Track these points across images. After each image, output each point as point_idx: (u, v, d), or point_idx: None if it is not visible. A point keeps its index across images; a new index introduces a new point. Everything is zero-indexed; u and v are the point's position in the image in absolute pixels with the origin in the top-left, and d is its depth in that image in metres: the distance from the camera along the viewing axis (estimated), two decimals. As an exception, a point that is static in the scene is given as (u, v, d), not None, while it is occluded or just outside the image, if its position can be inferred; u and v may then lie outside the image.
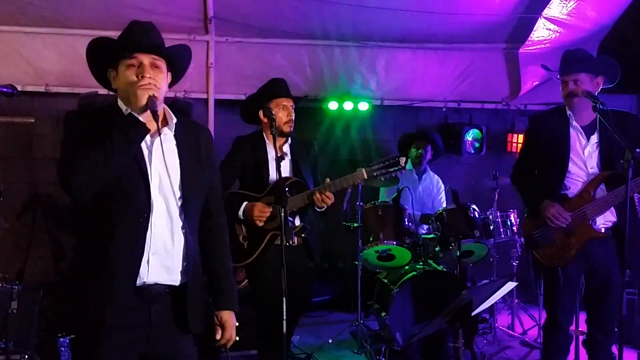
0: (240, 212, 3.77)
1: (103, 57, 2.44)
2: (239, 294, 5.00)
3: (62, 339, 4.34)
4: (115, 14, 5.25)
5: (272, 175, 3.81)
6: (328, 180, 3.80)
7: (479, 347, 5.04)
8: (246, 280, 4.84)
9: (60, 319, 4.53)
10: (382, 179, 3.84)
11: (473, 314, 3.07)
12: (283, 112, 3.85)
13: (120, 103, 2.42)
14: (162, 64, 2.41)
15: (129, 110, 2.37)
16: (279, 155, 3.52)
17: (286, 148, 3.91)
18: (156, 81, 2.36)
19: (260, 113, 3.88)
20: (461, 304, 2.92)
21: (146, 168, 2.37)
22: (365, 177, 3.78)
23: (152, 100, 2.31)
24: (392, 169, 3.75)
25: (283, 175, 3.65)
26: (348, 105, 6.42)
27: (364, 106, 6.49)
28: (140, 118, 2.32)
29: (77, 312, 2.42)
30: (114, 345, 2.35)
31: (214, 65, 5.98)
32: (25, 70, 5.60)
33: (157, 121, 2.32)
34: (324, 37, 6.12)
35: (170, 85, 2.53)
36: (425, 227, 5.72)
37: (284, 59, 6.12)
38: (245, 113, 4.06)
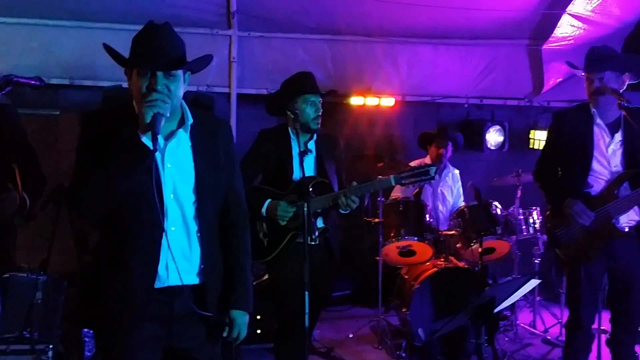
0: (263, 210, 3.71)
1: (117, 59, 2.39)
2: (259, 287, 5.08)
3: (86, 330, 4.40)
4: (139, 7, 5.29)
5: (296, 171, 3.74)
6: (355, 183, 3.70)
7: (500, 344, 5.01)
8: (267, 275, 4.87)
9: (84, 310, 4.59)
10: (410, 187, 3.81)
11: (496, 310, 3.07)
12: (311, 108, 3.76)
13: (134, 103, 2.37)
14: (178, 71, 2.33)
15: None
16: (302, 150, 3.47)
17: (311, 144, 3.83)
18: (168, 93, 2.28)
19: (289, 109, 3.78)
20: (484, 300, 2.91)
21: (159, 175, 2.34)
22: (393, 184, 3.74)
23: (156, 118, 2.22)
24: (421, 178, 3.69)
25: (307, 172, 3.58)
26: (370, 101, 6.40)
27: (385, 102, 6.47)
28: (144, 138, 2.25)
29: (98, 310, 2.44)
30: (136, 340, 2.37)
31: (236, 60, 6.00)
32: (51, 62, 5.64)
33: (155, 142, 2.21)
34: (346, 32, 6.12)
35: (193, 73, 2.48)
36: (447, 223, 5.71)
37: (306, 54, 6.12)
38: (271, 107, 4.00)
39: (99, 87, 5.56)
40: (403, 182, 3.72)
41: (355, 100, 6.38)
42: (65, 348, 4.26)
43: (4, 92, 2.50)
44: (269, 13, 5.78)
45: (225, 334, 2.55)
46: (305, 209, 3.19)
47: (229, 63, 6.01)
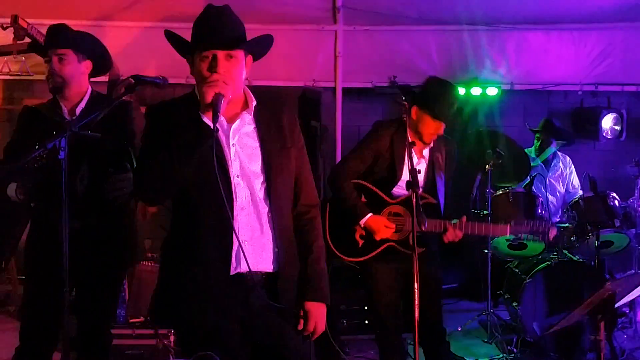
0: (363, 222, 3.54)
1: (180, 48, 2.40)
2: (354, 273, 5.09)
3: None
4: (250, 7, 5.43)
5: (404, 178, 3.51)
6: (464, 219, 3.52)
7: (618, 341, 4.80)
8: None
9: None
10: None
11: (616, 306, 2.96)
12: (431, 128, 3.51)
13: (196, 91, 2.34)
14: (238, 53, 2.29)
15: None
16: (414, 165, 3.05)
17: (426, 152, 3.63)
18: (229, 75, 2.24)
19: (413, 110, 3.53)
20: (604, 295, 2.82)
21: (224, 155, 2.30)
22: (508, 234, 3.67)
23: (217, 97, 2.18)
24: (537, 236, 3.64)
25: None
26: (476, 91, 6.28)
27: (492, 91, 6.31)
28: (205, 118, 2.22)
29: (175, 303, 2.37)
30: (220, 336, 2.30)
31: (341, 54, 6.05)
32: (169, 63, 5.86)
33: (215, 120, 2.16)
34: (452, 22, 6.00)
35: (255, 60, 2.42)
36: (559, 215, 5.53)
37: (411, 46, 6.07)
38: (406, 94, 3.67)
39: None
40: (518, 235, 3.73)
41: (461, 91, 6.27)
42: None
43: (134, 90, 2.67)
44: (373, 5, 5.78)
45: (299, 327, 2.44)
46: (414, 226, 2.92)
47: (334, 58, 6.05)
